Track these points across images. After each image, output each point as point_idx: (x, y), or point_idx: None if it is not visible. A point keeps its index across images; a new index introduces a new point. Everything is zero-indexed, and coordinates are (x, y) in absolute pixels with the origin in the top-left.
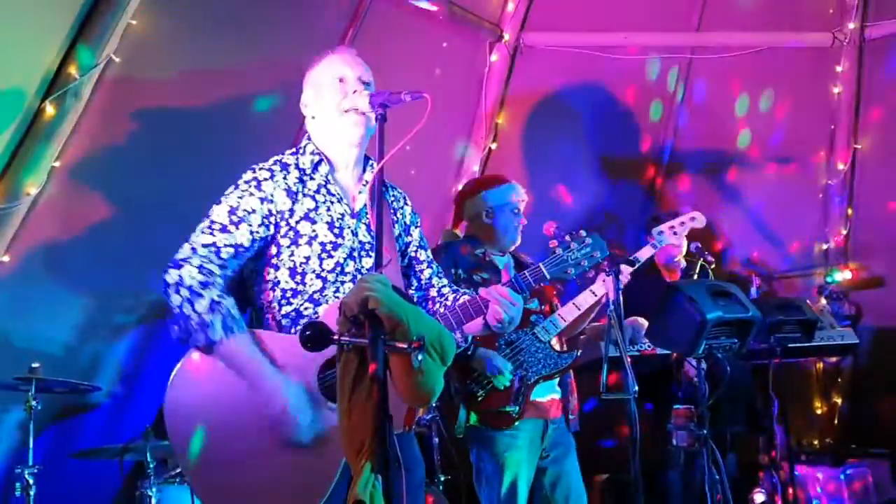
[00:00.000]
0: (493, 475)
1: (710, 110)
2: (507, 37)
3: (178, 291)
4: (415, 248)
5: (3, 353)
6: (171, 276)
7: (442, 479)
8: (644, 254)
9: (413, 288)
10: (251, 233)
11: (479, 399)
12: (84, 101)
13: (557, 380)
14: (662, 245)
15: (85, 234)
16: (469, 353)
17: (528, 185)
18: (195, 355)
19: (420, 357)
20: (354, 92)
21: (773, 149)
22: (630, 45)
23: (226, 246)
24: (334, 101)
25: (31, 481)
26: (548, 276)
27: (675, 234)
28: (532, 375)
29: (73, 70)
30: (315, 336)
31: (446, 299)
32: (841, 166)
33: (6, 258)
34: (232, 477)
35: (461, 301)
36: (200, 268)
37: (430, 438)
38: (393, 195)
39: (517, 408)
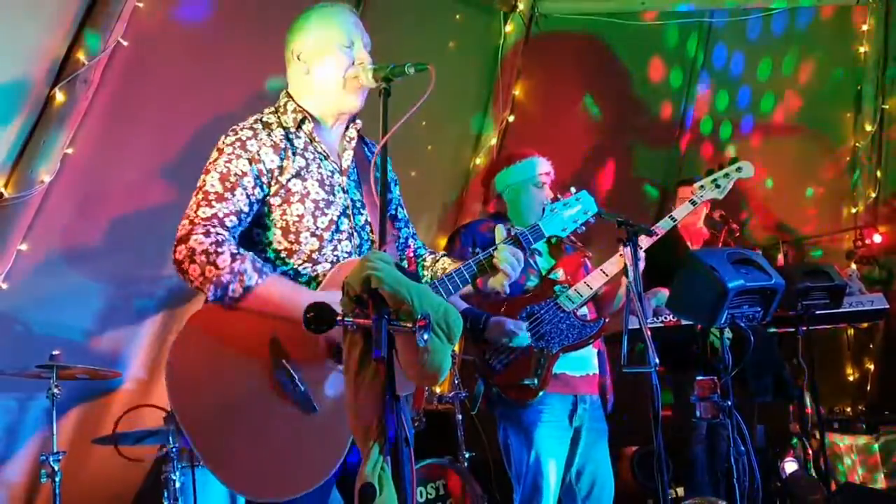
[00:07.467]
0: (520, 451)
1: (731, 74)
2: (521, 6)
3: (193, 261)
4: (394, 207)
5: (24, 341)
6: (180, 252)
7: (467, 455)
8: (681, 211)
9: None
10: (248, 195)
11: (499, 373)
12: (94, 87)
13: (594, 354)
14: (703, 200)
15: (101, 219)
16: (482, 325)
17: (547, 157)
18: (198, 318)
19: (426, 336)
20: (360, 64)
21: (798, 111)
22: (648, 11)
23: (227, 214)
24: (340, 67)
25: (56, 468)
26: (545, 234)
27: (717, 186)
28: (554, 346)
29: (81, 56)
30: (318, 317)
31: (424, 259)
32: (868, 127)
33: (24, 247)
34: (240, 442)
35: (457, 265)
36: (207, 233)
37: (454, 415)
38: (373, 151)
39: (536, 380)
